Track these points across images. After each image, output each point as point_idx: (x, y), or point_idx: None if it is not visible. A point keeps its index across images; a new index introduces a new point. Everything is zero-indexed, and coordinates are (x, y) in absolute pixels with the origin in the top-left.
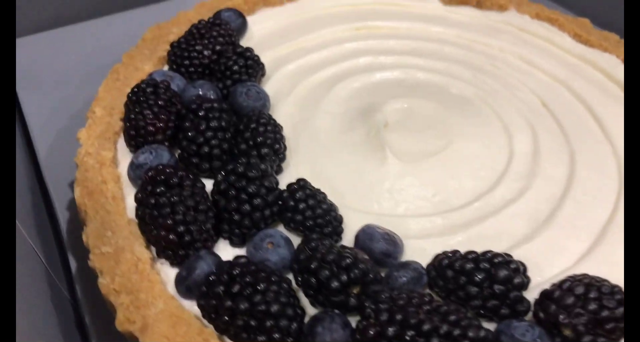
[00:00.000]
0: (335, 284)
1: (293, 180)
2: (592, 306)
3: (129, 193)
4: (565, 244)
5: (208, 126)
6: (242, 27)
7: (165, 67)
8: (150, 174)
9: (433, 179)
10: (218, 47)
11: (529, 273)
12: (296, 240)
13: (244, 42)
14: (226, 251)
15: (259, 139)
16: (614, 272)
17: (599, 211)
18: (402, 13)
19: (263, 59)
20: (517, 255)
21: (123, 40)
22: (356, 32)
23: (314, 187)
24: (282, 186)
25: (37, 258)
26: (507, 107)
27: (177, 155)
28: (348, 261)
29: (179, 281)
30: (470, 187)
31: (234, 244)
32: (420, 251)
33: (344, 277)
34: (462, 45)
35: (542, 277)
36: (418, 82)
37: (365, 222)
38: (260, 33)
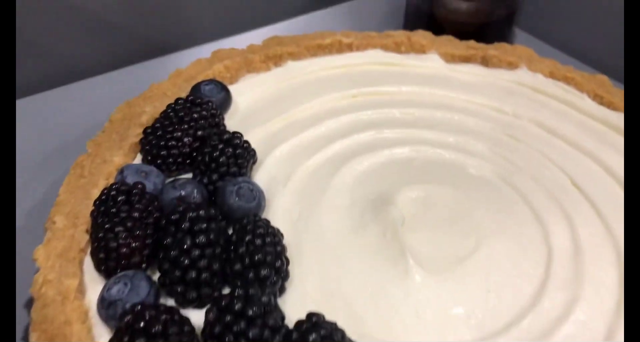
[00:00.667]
0: None
1: (299, 301)
2: None
3: (101, 335)
4: None
5: (194, 243)
6: (226, 101)
7: (139, 158)
8: (126, 320)
9: (466, 294)
10: (200, 132)
11: None
12: None
13: (228, 118)
14: None
15: (256, 257)
16: None
17: None
18: (401, 74)
19: (252, 138)
20: None
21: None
22: (353, 99)
23: (329, 323)
24: (288, 314)
25: None
26: (534, 188)
27: (157, 281)
28: None
29: None
30: (510, 304)
31: None
32: None
33: None
34: (473, 112)
35: None
36: (430, 161)
37: None
38: (245, 105)
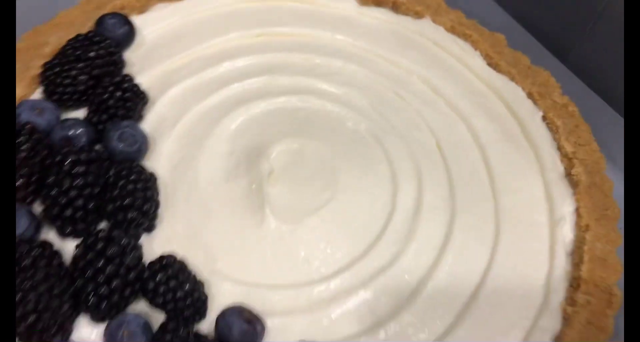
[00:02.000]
0: None
1: (165, 240)
2: None
3: None
4: (422, 329)
5: (72, 185)
6: (129, 36)
7: (39, 91)
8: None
9: (309, 243)
10: (96, 71)
11: None
12: (159, 319)
13: (132, 51)
14: (86, 328)
15: (126, 201)
16: None
17: (463, 286)
18: (311, 14)
19: (148, 77)
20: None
21: None
22: (256, 39)
23: (178, 262)
24: (152, 250)
25: None
26: (400, 148)
27: (40, 216)
28: None
29: None
30: (344, 253)
31: (94, 319)
32: (283, 329)
33: None
34: (368, 63)
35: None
36: (314, 112)
37: (235, 293)
38: (151, 37)
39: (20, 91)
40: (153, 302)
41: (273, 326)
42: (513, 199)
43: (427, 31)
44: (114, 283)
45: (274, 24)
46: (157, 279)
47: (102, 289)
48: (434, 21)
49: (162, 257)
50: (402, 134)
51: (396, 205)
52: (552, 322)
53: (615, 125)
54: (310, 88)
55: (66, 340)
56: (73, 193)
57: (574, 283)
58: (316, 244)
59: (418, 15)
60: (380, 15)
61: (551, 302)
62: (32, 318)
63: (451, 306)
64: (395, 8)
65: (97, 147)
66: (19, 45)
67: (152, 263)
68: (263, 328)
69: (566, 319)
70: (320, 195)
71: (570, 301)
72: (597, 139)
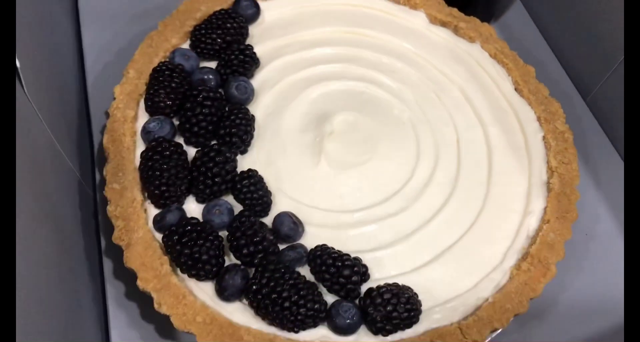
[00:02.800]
0: (244, 251)
1: (252, 161)
2: (388, 308)
3: (139, 146)
4: (412, 258)
5: (201, 111)
6: (255, 16)
7: (187, 43)
8: (152, 143)
9: (346, 186)
10: (229, 38)
11: (374, 272)
12: (239, 209)
13: (254, 27)
14: (193, 204)
15: (233, 130)
16: (434, 287)
17: (447, 237)
18: (388, 22)
19: (263, 48)
20: (372, 256)
21: None
22: (343, 34)
23: (258, 176)
24: (243, 165)
25: (72, 170)
26: (428, 136)
27: (177, 126)
28: (258, 237)
29: (155, 222)
30: (370, 198)
31: (198, 201)
32: (317, 237)
33: (252, 248)
34: (422, 68)
35: (381, 275)
36: (372, 97)
37: (289, 205)
38: (270, 20)
39: (175, 41)
40: (237, 197)
41: (309, 231)
42: (501, 189)
43: (474, 53)
44: (217, 179)
45: (359, 26)
46: (243, 182)
47: (208, 180)
48: (482, 47)
49: (249, 170)
50: (432, 126)
51: (414, 175)
52: (499, 276)
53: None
54: (374, 79)
55: (178, 208)
56: (200, 117)
57: (525, 256)
58: (351, 187)
59: (471, 39)
60: (442, 34)
61: (504, 264)
62: (163, 187)
63: (434, 248)
64: (456, 31)
65: (220, 90)
66: (180, 7)
67: (242, 172)
68: (303, 230)
69: (510, 278)
70: (363, 155)
71: (517, 266)
72: (588, 159)
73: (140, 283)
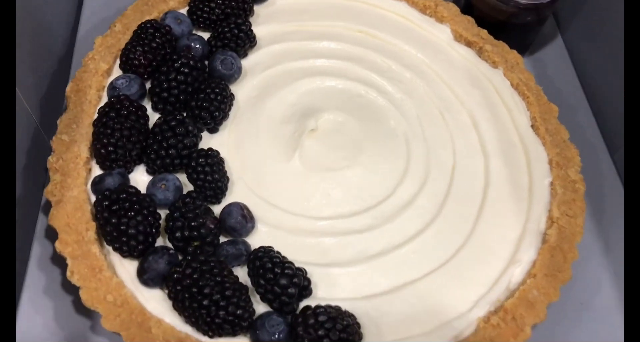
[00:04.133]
0: (177, 234)
1: (220, 143)
2: (320, 332)
3: (102, 102)
4: (367, 283)
5: (176, 78)
6: None
7: (185, 9)
8: (112, 100)
9: (312, 189)
10: (228, 10)
11: (319, 289)
12: (189, 189)
13: (262, 7)
14: (142, 174)
15: (205, 104)
16: (382, 322)
17: (414, 269)
18: (408, 31)
19: (266, 30)
20: (323, 272)
21: None
22: (356, 33)
23: (219, 158)
24: (208, 144)
25: (30, 115)
26: (421, 155)
27: (148, 90)
28: (197, 222)
29: (93, 183)
30: (338, 207)
31: (148, 172)
32: (267, 238)
33: (186, 232)
34: (433, 83)
35: (327, 294)
36: (369, 102)
37: (246, 196)
38: (281, 3)
39: (173, 4)
40: (190, 176)
41: (261, 230)
42: (490, 229)
43: (495, 79)
44: (171, 151)
45: (374, 27)
46: (199, 160)
47: (162, 151)
48: (505, 74)
49: (210, 149)
50: (429, 145)
51: (394, 192)
52: (463, 326)
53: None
54: (376, 84)
55: (122, 173)
56: (174, 83)
57: (498, 309)
58: (320, 192)
59: (494, 64)
60: (464, 53)
61: (472, 313)
62: (110, 148)
63: (395, 278)
64: (480, 52)
65: (206, 62)
66: None
67: (201, 149)
68: (253, 226)
69: (475, 330)
70: (342, 161)
71: (486, 318)
72: (601, 219)
73: (58, 245)
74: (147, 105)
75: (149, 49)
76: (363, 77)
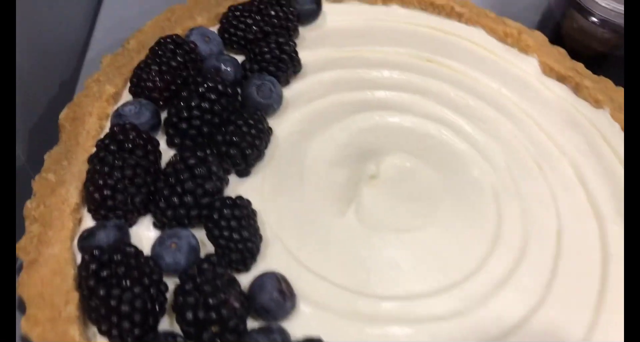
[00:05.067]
0: (189, 314)
1: (252, 189)
2: None
3: (104, 133)
4: None
5: (199, 105)
6: (313, 14)
7: (216, 27)
8: (115, 129)
9: (373, 256)
10: (267, 28)
11: None
12: (209, 250)
13: (309, 29)
14: (148, 229)
15: (235, 139)
16: None
17: None
18: (486, 60)
19: (313, 55)
20: None
21: None
22: (423, 62)
23: (251, 209)
24: (237, 190)
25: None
26: (516, 217)
27: (163, 120)
28: (216, 299)
29: (79, 238)
30: (405, 286)
31: (155, 225)
32: (312, 323)
33: (201, 313)
34: (523, 124)
35: None
36: (443, 144)
37: (285, 263)
38: (331, 25)
39: (202, 21)
40: (210, 233)
41: (302, 311)
42: (617, 320)
43: (600, 122)
44: (187, 198)
45: (446, 56)
46: (224, 212)
47: (174, 198)
48: (613, 116)
49: (239, 197)
50: (525, 205)
51: (483, 267)
52: None
53: None
54: (451, 122)
55: (119, 226)
56: (196, 112)
57: None
58: (385, 261)
59: (597, 104)
60: (557, 90)
61: None
62: (107, 191)
63: None
64: (577, 89)
65: (238, 89)
66: None
67: (227, 197)
68: (293, 306)
69: None
70: (411, 219)
71: None
72: None
73: (24, 324)
74: (161, 139)
75: (167, 68)
76: (434, 113)
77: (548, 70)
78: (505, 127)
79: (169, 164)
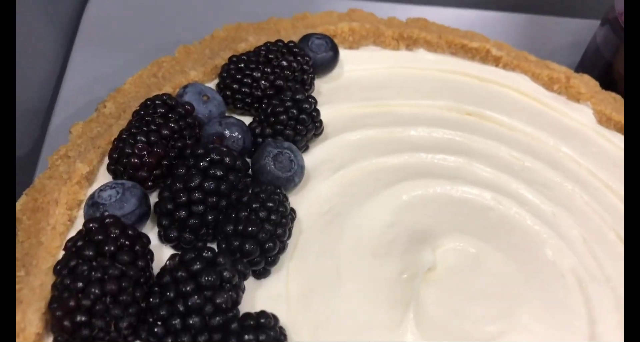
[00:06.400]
0: None
1: (276, 294)
2: None
3: (75, 229)
4: None
5: (201, 186)
6: (330, 63)
7: (215, 82)
8: (90, 226)
9: None
10: (279, 82)
11: None
12: None
13: (326, 81)
14: None
15: (250, 228)
16: None
17: None
18: (536, 114)
19: (332, 113)
20: None
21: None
22: (464, 116)
23: (278, 331)
24: (256, 298)
25: None
26: (610, 306)
27: (154, 205)
28: None
29: None
30: None
31: None
32: None
33: None
34: (593, 189)
35: None
36: (507, 218)
37: None
38: (350, 75)
39: (196, 75)
40: None
41: None
42: None
43: None
44: (192, 320)
45: (491, 108)
46: (245, 339)
47: (174, 320)
48: None
49: (262, 313)
50: (618, 292)
51: None
52: None
53: None
54: (510, 190)
55: None
56: (197, 195)
57: None
58: None
59: None
60: (619, 142)
61: None
62: (79, 318)
63: None
64: None
65: (248, 159)
66: (219, 33)
67: (247, 315)
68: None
69: None
70: (489, 323)
71: None
72: None
73: None
74: (151, 233)
75: (156, 138)
76: (487, 179)
77: (605, 121)
78: (573, 192)
79: (164, 270)
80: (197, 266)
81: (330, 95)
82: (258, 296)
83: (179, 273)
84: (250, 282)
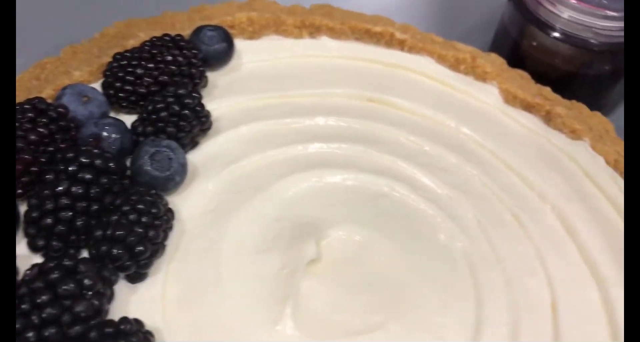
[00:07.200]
0: None
1: (150, 298)
2: None
3: None
4: None
5: (69, 191)
6: (223, 55)
7: (99, 82)
8: None
9: None
10: (164, 77)
11: None
12: None
13: (222, 73)
14: None
15: (118, 232)
16: None
17: None
18: (439, 96)
19: (227, 106)
20: None
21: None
22: (364, 103)
23: (141, 336)
24: (128, 304)
25: None
26: (499, 290)
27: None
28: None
29: None
30: None
31: None
32: None
33: None
34: (493, 170)
35: None
36: (399, 205)
37: None
38: (249, 66)
39: (80, 75)
40: None
41: None
42: None
43: (580, 157)
44: (48, 332)
45: (390, 93)
46: None
47: (29, 335)
48: (594, 148)
49: (124, 320)
50: (508, 273)
51: None
52: None
53: None
54: (405, 176)
55: None
56: (64, 201)
57: None
58: None
59: (575, 135)
60: (527, 123)
61: None
62: None
63: None
64: (548, 119)
65: (126, 162)
66: (109, 30)
67: (106, 322)
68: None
69: None
70: (370, 315)
71: None
72: None
73: None
74: (20, 243)
75: (24, 145)
76: (384, 165)
77: (511, 99)
78: (471, 174)
79: (25, 281)
80: (54, 275)
81: (226, 89)
82: (132, 301)
83: (36, 284)
84: (124, 287)
